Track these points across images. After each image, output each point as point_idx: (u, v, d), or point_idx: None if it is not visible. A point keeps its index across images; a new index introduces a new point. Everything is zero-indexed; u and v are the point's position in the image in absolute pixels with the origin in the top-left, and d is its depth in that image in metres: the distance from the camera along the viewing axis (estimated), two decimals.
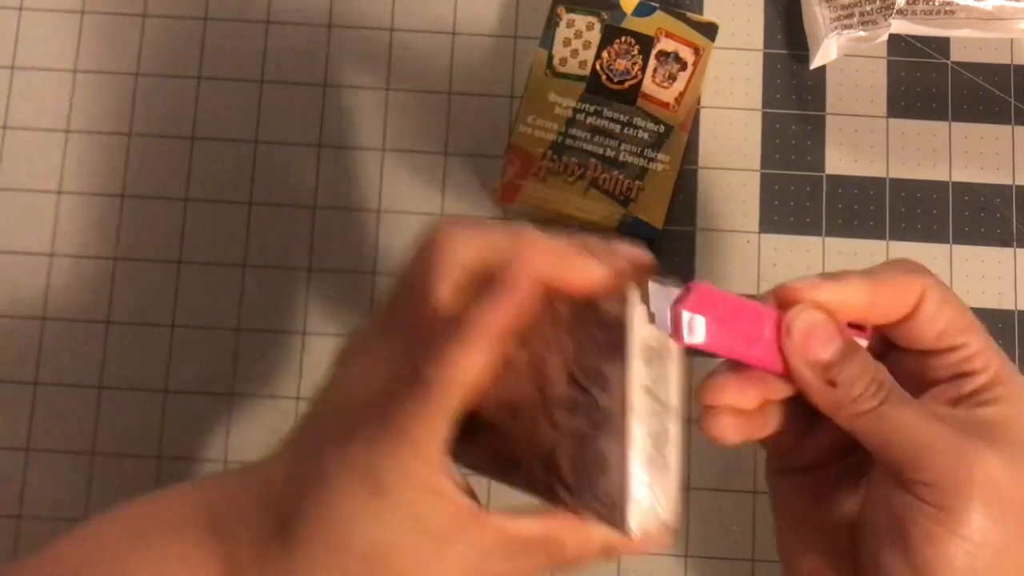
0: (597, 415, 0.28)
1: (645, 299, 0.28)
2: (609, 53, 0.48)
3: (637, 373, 0.28)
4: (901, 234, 0.50)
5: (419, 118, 0.52)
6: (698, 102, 0.50)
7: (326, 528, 0.31)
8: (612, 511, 0.28)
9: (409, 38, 0.52)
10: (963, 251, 0.50)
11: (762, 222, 0.50)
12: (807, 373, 0.30)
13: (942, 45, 0.52)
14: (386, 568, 0.30)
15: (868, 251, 0.50)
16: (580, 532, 0.31)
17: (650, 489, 0.28)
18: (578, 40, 0.48)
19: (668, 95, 0.48)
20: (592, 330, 0.28)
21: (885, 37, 0.51)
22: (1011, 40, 0.52)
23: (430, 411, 0.30)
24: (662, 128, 0.48)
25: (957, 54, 0.52)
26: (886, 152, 0.51)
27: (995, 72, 0.52)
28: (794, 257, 0.50)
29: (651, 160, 0.48)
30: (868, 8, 0.50)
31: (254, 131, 0.51)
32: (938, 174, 0.51)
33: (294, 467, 0.33)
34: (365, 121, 0.52)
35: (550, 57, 0.48)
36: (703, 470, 0.48)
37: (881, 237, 0.50)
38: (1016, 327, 0.49)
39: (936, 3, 0.50)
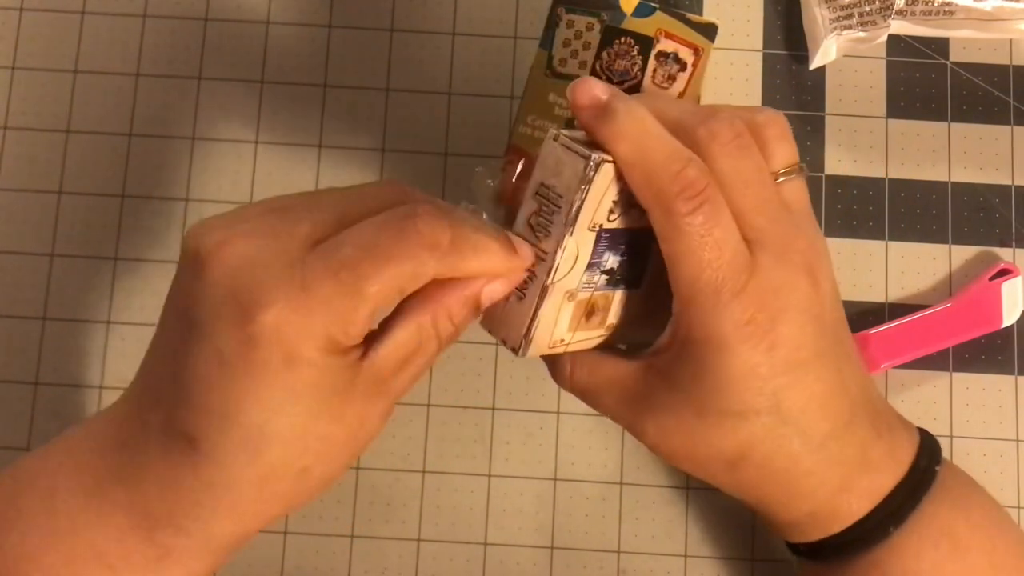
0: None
1: None
2: (609, 54, 0.48)
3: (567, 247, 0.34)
4: (901, 234, 0.50)
5: (419, 118, 0.52)
6: (698, 103, 0.50)
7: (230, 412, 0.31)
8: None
9: (409, 38, 0.52)
10: (962, 251, 0.50)
11: None
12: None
13: (941, 46, 0.52)
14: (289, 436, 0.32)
15: (867, 251, 0.50)
16: (445, 307, 0.33)
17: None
18: (578, 40, 0.48)
19: (668, 96, 0.48)
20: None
21: (884, 38, 0.51)
22: (1010, 41, 0.52)
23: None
24: None
25: (956, 55, 0.52)
26: (885, 152, 0.51)
27: (994, 73, 0.52)
28: None
29: None
30: (867, 9, 0.50)
31: (255, 131, 0.51)
32: (937, 174, 0.51)
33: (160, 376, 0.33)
34: (365, 121, 0.52)
35: (550, 57, 0.48)
36: None
37: (880, 237, 0.50)
38: (1016, 328, 0.49)
39: (935, 4, 0.50)
